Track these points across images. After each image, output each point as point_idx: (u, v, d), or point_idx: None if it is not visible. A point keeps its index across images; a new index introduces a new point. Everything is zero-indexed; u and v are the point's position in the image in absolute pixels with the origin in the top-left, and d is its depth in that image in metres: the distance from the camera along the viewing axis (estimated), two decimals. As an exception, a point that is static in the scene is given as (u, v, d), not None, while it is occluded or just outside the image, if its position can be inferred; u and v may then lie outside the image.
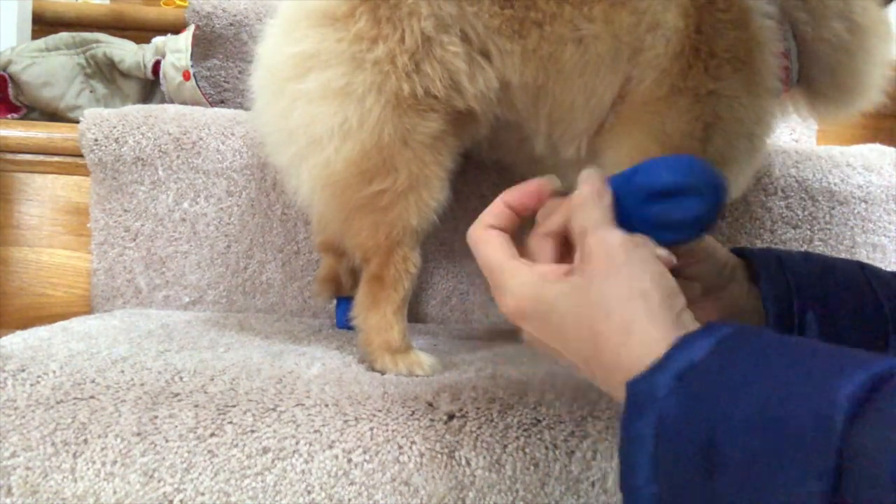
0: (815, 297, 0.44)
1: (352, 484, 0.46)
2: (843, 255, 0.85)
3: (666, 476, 0.27)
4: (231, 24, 1.12)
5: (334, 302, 0.78)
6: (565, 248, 0.37)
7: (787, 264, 0.45)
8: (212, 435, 0.47)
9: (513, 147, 0.69)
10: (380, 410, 0.48)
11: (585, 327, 0.31)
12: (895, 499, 0.20)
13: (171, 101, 1.10)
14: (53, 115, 1.09)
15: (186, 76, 1.08)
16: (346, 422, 0.48)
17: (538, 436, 0.47)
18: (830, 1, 0.59)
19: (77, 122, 0.83)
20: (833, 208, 0.84)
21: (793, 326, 0.44)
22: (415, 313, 0.85)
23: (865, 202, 0.84)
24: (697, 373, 0.27)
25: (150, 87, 1.15)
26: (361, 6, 0.57)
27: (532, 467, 0.46)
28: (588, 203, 0.35)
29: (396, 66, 0.57)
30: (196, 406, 0.48)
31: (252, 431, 0.47)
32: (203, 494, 0.45)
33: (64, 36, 1.10)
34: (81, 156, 0.82)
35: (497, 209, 0.38)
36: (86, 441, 0.46)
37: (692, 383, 0.27)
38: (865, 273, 0.46)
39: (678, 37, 0.57)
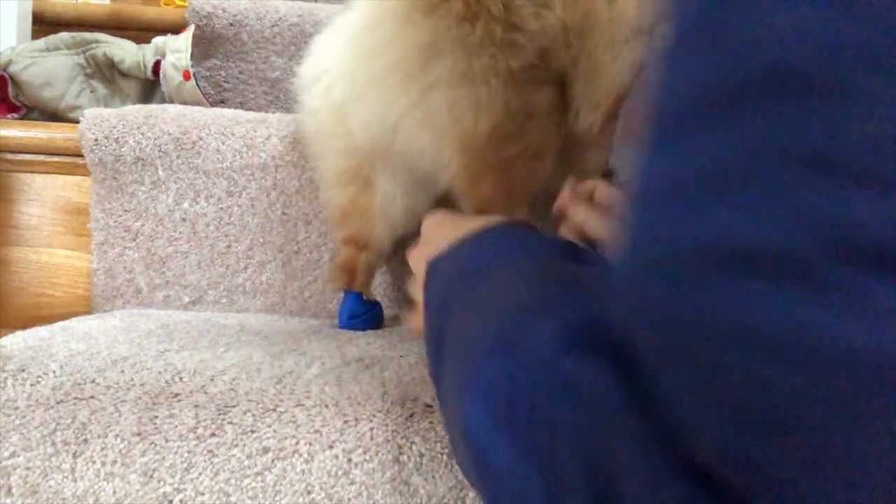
0: None
1: (352, 484, 0.46)
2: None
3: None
4: (231, 24, 1.12)
5: (341, 296, 0.78)
6: None
7: None
8: (212, 435, 0.47)
9: None
10: (379, 411, 0.48)
11: None
12: None
13: (171, 101, 1.10)
14: (53, 115, 1.09)
15: (186, 76, 1.08)
16: (345, 422, 0.48)
17: (538, 436, 0.47)
18: None
19: (77, 122, 0.83)
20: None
21: None
22: (415, 313, 0.85)
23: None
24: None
25: (150, 87, 1.15)
26: None
27: (532, 467, 0.46)
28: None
29: (495, 41, 0.60)
30: (196, 406, 0.48)
31: (252, 431, 0.47)
32: (203, 494, 0.45)
33: (64, 36, 1.10)
34: (81, 156, 0.82)
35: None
36: (86, 441, 0.46)
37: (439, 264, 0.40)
38: None
39: None
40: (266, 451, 0.46)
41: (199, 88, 1.09)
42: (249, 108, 1.13)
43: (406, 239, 0.79)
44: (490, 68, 0.60)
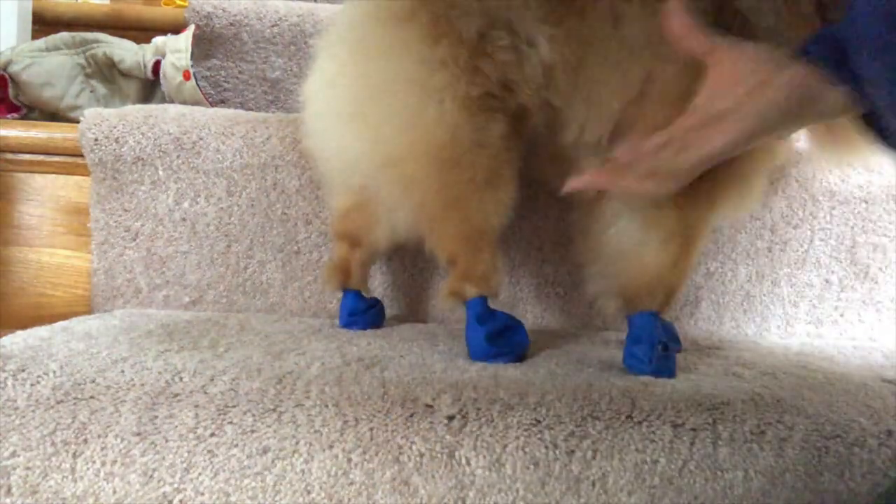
0: None
1: (351, 483, 0.46)
2: (842, 255, 0.85)
3: None
4: (231, 24, 1.12)
5: (339, 295, 0.78)
6: None
7: None
8: (212, 435, 0.47)
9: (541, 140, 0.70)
10: (379, 411, 0.48)
11: None
12: None
13: (171, 101, 1.10)
14: (53, 115, 1.09)
15: (186, 76, 1.08)
16: (345, 422, 0.48)
17: (538, 436, 0.47)
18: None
19: (77, 121, 0.83)
20: (833, 208, 0.84)
21: None
22: (415, 313, 0.85)
23: (866, 202, 0.84)
24: None
25: (150, 87, 1.15)
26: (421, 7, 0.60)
27: (532, 467, 0.46)
28: None
29: (459, 63, 0.59)
30: (196, 406, 0.48)
31: (252, 431, 0.47)
32: (203, 494, 0.45)
33: (64, 36, 1.10)
34: (81, 156, 0.82)
35: None
36: (86, 441, 0.46)
37: None
38: None
39: None
40: (266, 451, 0.46)
41: (199, 88, 1.09)
42: (249, 108, 1.13)
43: (407, 242, 0.79)
44: (447, 88, 0.60)
